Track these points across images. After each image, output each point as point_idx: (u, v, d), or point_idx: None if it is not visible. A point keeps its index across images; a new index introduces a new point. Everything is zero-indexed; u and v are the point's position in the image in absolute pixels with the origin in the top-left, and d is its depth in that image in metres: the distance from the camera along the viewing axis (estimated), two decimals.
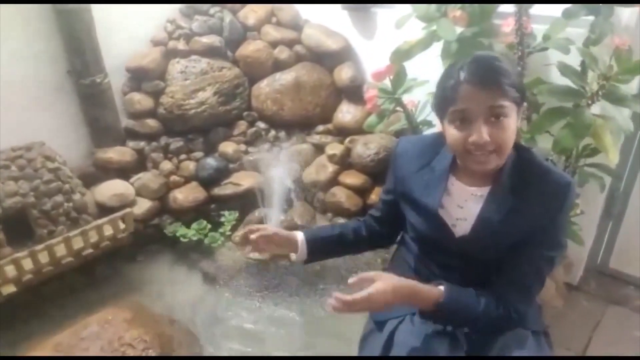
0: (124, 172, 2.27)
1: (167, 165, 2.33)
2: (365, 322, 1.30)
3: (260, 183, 2.24)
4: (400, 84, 1.78)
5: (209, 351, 1.75)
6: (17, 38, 1.98)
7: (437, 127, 1.66)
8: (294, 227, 2.15)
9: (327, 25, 2.45)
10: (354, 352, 1.28)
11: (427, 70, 1.72)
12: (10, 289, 1.79)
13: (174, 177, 2.32)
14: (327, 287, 2.00)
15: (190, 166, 2.36)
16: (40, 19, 2.03)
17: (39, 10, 2.02)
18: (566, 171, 1.67)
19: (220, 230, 2.22)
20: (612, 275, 2.16)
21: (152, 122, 2.36)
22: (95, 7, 2.10)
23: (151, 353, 1.47)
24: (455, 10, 1.63)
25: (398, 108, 1.82)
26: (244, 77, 2.50)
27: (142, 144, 2.35)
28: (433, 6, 1.67)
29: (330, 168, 2.30)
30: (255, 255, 2.10)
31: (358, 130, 2.31)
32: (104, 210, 2.11)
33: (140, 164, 2.33)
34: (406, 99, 1.81)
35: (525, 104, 1.08)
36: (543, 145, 1.58)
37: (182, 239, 2.20)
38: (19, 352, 1.62)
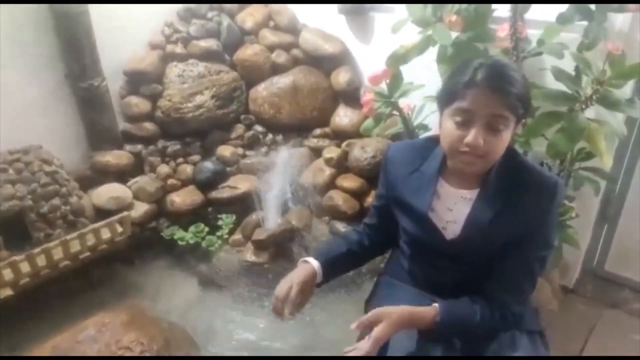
0: (121, 175, 2.27)
1: (164, 169, 2.33)
2: None
3: (258, 186, 2.25)
4: (396, 88, 1.79)
5: (206, 354, 1.75)
6: (14, 41, 1.99)
7: (433, 131, 1.67)
8: (290, 230, 2.16)
9: (325, 29, 2.46)
10: None
11: (423, 75, 1.74)
12: (7, 292, 1.78)
13: (171, 181, 2.33)
14: (325, 289, 2.00)
15: (187, 169, 2.36)
16: (38, 23, 2.04)
17: (36, 13, 2.02)
18: (561, 175, 1.69)
19: (218, 233, 2.23)
20: (607, 278, 2.17)
21: (149, 126, 2.37)
22: (93, 11, 2.11)
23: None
24: (451, 15, 1.64)
25: (394, 112, 1.83)
26: (241, 80, 2.50)
27: (139, 147, 2.35)
28: (429, 11, 1.68)
29: (328, 171, 2.31)
30: (252, 258, 2.12)
31: (355, 133, 2.32)
32: (101, 213, 2.11)
33: (138, 167, 2.33)
34: (402, 102, 1.82)
35: (525, 120, 1.09)
36: (538, 149, 1.59)
37: (179, 242, 2.20)
38: (17, 355, 1.62)
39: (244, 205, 2.27)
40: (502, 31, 1.63)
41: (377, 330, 1.03)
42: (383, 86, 1.80)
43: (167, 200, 2.29)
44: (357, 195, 2.25)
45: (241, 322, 1.94)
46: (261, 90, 2.50)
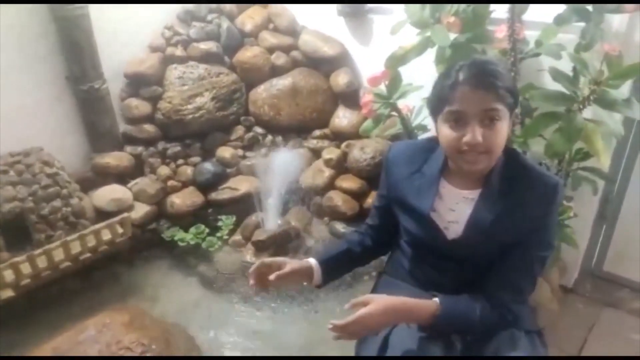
0: (121, 177, 2.29)
1: (164, 170, 2.34)
2: None
3: (258, 188, 2.25)
4: (395, 89, 1.80)
5: (206, 354, 1.76)
6: (15, 44, 2.00)
7: (432, 132, 1.68)
8: (290, 230, 2.17)
9: (324, 31, 2.47)
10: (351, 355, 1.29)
11: (422, 76, 1.74)
12: (9, 293, 1.79)
13: (171, 182, 2.34)
14: (325, 290, 2.01)
15: (187, 171, 2.37)
16: (38, 26, 2.05)
17: (37, 16, 2.04)
18: (559, 175, 1.69)
19: (218, 234, 2.23)
20: (606, 278, 2.17)
21: (149, 128, 2.38)
22: (94, 14, 2.12)
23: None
24: (449, 16, 1.65)
25: (393, 113, 1.83)
26: (241, 82, 2.52)
27: (139, 149, 2.36)
28: (427, 12, 1.69)
29: (327, 172, 2.32)
30: (252, 259, 2.12)
31: (354, 134, 2.33)
32: (102, 215, 2.12)
33: (138, 169, 2.35)
34: (401, 103, 1.83)
35: (517, 110, 1.10)
36: (536, 149, 1.60)
37: (179, 243, 2.21)
38: (17, 355, 1.63)
39: (243, 206, 2.28)
40: (500, 32, 1.63)
41: (364, 309, 1.03)
42: (382, 87, 1.81)
43: (167, 202, 2.30)
44: (357, 196, 2.26)
45: (241, 322, 1.95)
46: (261, 92, 2.51)
